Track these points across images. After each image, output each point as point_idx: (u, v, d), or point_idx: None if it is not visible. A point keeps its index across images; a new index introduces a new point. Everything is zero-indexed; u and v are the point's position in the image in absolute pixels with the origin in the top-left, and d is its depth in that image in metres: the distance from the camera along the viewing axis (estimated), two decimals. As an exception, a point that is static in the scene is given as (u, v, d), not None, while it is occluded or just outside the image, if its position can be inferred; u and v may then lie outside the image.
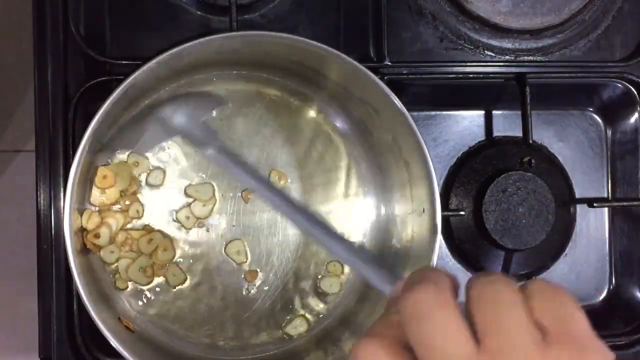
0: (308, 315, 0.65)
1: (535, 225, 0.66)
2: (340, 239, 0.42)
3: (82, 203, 0.60)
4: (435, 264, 0.58)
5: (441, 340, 0.30)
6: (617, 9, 0.71)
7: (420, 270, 0.34)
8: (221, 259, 0.63)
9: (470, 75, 0.68)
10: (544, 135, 0.71)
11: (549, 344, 0.30)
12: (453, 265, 0.70)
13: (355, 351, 0.31)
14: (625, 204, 0.72)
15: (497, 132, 0.71)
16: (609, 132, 0.73)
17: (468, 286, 0.32)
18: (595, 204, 0.70)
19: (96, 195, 0.60)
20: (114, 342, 0.54)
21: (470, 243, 0.69)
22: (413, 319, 0.30)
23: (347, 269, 0.65)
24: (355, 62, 0.57)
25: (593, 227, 0.73)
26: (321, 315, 0.65)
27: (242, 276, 0.64)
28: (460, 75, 0.68)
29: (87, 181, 0.60)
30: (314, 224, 0.45)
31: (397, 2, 0.67)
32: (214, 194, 0.62)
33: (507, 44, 0.69)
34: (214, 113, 0.62)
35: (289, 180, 0.65)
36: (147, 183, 0.62)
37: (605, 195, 0.73)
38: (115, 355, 0.55)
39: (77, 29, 0.62)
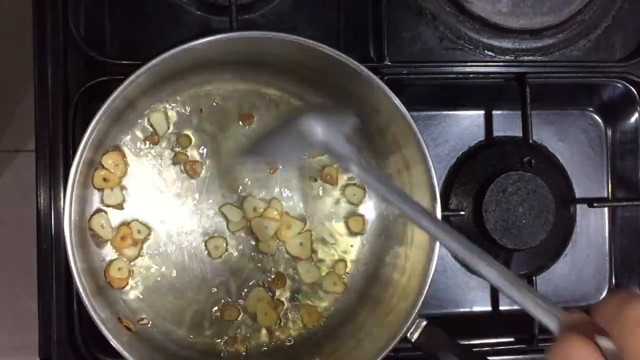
0: (307, 315, 0.65)
1: (535, 225, 0.66)
2: (500, 267, 0.41)
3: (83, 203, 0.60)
4: (435, 264, 0.58)
5: None
6: (617, 9, 0.71)
7: (623, 292, 0.35)
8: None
9: (470, 75, 0.68)
10: (544, 135, 0.71)
11: None
12: (453, 265, 0.70)
13: (559, 349, 0.33)
14: (625, 204, 0.72)
15: (497, 132, 0.71)
16: (609, 132, 0.73)
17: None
18: (595, 204, 0.70)
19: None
20: (114, 342, 0.54)
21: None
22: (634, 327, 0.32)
23: (349, 268, 0.65)
24: (355, 62, 0.57)
25: (593, 227, 0.73)
26: (321, 316, 0.65)
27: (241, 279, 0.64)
28: (460, 75, 0.68)
29: (87, 181, 0.60)
30: (475, 251, 0.45)
31: (397, 2, 0.67)
32: None
33: (507, 44, 0.69)
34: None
35: (292, 183, 0.65)
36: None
37: (605, 195, 0.73)
38: (115, 355, 0.55)
39: (77, 29, 0.62)
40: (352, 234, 0.66)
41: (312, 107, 0.59)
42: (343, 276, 0.65)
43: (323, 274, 0.65)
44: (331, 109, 0.61)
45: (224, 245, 0.63)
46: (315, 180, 0.65)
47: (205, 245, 0.63)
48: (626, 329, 0.32)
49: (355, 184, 0.66)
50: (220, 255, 0.63)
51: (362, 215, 0.66)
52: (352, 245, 0.66)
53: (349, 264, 0.66)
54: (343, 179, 0.66)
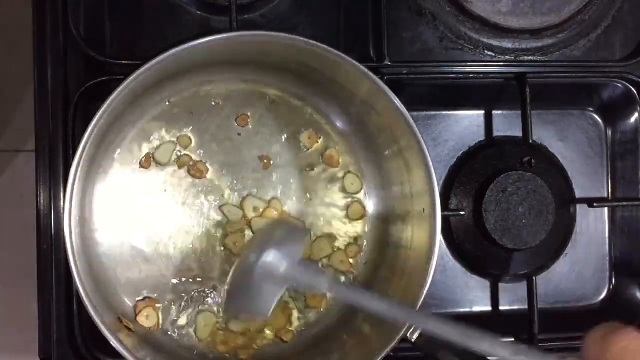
0: (306, 314, 0.65)
1: (535, 225, 0.66)
2: (496, 340, 0.44)
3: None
4: (435, 264, 0.58)
5: None
6: (617, 9, 0.71)
7: (607, 325, 0.36)
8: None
9: (470, 75, 0.68)
10: (544, 135, 0.71)
11: None
12: (453, 265, 0.70)
13: None
14: (625, 204, 0.72)
15: (497, 132, 0.71)
16: (609, 132, 0.73)
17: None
18: (595, 204, 0.70)
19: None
20: (114, 342, 0.54)
21: (470, 243, 0.69)
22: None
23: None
24: (355, 62, 0.57)
25: (593, 227, 0.73)
26: (320, 316, 0.65)
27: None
28: (460, 75, 0.68)
29: (88, 181, 0.60)
30: (466, 332, 0.46)
31: (397, 2, 0.67)
32: None
33: (507, 44, 0.69)
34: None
35: (291, 181, 0.65)
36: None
37: (605, 195, 0.73)
38: (116, 355, 0.55)
39: (77, 29, 0.62)
40: (352, 220, 0.66)
41: (257, 248, 0.58)
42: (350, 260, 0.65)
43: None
44: (280, 235, 0.60)
45: (243, 239, 0.63)
46: (312, 169, 0.65)
47: (224, 242, 0.63)
48: None
49: (351, 172, 0.66)
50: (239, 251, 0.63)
51: (360, 202, 0.66)
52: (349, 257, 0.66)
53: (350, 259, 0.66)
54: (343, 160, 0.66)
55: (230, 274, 0.61)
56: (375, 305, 0.52)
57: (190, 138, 0.63)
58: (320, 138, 0.65)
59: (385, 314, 0.52)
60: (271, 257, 0.55)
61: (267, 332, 0.64)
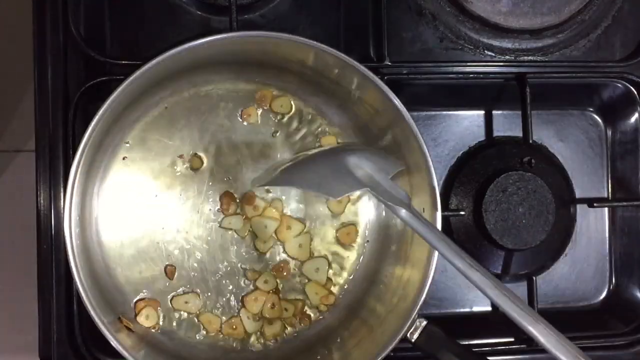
0: (315, 295, 0.65)
1: (535, 225, 0.66)
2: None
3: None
4: (435, 264, 0.58)
5: None
6: (617, 9, 0.71)
7: None
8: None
9: (470, 75, 0.68)
10: (544, 135, 0.72)
11: None
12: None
13: None
14: (625, 204, 0.72)
15: (497, 132, 0.71)
16: (609, 132, 0.73)
17: None
18: (595, 204, 0.70)
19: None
20: (114, 342, 0.54)
21: (470, 243, 0.69)
22: None
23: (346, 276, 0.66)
24: (355, 62, 0.57)
25: (593, 227, 0.73)
26: (322, 314, 0.65)
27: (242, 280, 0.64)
28: (460, 75, 0.68)
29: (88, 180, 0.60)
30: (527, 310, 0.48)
31: (397, 2, 0.68)
32: None
33: (507, 44, 0.69)
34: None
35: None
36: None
37: (605, 195, 0.73)
38: (116, 355, 0.55)
39: (77, 29, 0.62)
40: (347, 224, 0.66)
41: (358, 146, 0.61)
42: (345, 273, 0.65)
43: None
44: (376, 151, 0.62)
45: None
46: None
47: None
48: None
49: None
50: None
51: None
52: (349, 256, 0.66)
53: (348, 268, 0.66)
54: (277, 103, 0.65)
55: (314, 151, 0.62)
56: (440, 246, 0.53)
57: (201, 159, 0.63)
58: (259, 109, 0.64)
59: (446, 255, 0.53)
60: (364, 158, 0.56)
61: (265, 329, 0.64)
